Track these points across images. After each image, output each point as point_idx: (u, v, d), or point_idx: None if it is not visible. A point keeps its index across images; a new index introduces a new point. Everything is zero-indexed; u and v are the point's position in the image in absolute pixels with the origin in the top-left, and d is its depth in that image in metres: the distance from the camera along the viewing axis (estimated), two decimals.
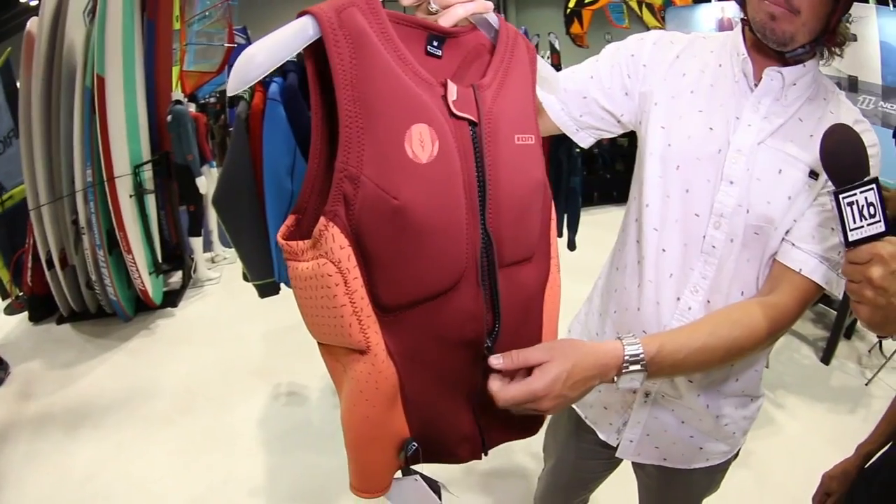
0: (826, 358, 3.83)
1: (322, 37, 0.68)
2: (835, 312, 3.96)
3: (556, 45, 6.35)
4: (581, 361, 0.86)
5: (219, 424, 3.13)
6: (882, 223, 0.79)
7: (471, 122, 0.78)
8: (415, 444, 0.87)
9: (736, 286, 1.10)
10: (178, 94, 4.48)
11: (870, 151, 0.87)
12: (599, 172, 6.83)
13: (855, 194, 0.82)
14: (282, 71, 2.48)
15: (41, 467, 2.81)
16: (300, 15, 0.69)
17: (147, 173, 4.02)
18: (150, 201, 4.09)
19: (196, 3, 5.53)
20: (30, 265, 4.20)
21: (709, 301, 1.11)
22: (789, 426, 3.17)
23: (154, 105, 4.29)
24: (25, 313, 4.38)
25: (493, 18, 0.85)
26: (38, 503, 2.62)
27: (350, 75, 0.68)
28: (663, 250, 1.13)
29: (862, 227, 0.81)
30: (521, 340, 0.86)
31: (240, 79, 0.69)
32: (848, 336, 4.11)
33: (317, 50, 0.70)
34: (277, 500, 2.64)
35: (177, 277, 4.97)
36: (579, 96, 1.18)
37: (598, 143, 4.44)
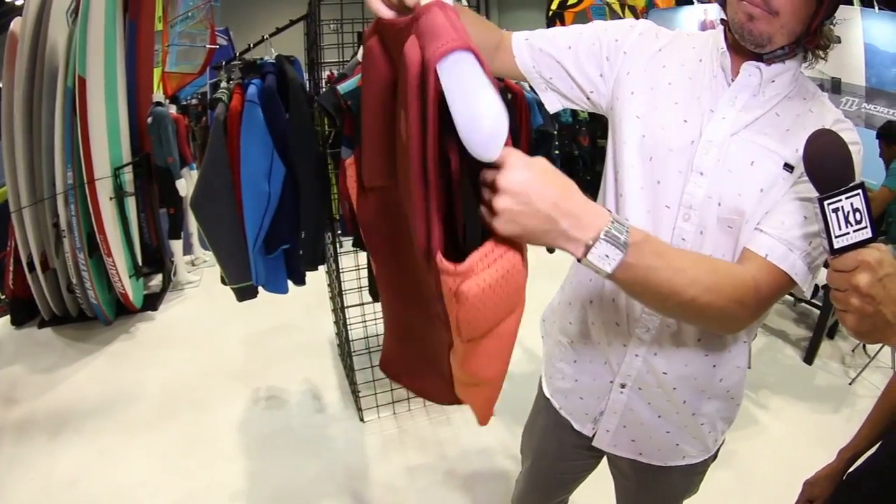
0: (809, 358, 3.84)
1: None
2: (817, 312, 3.97)
3: None
4: (571, 186, 0.77)
5: (199, 428, 3.11)
6: (868, 229, 0.76)
7: None
8: None
9: None
10: (159, 95, 4.43)
11: (851, 149, 0.85)
12: (580, 175, 6.76)
13: (840, 200, 0.79)
14: (260, 73, 2.47)
15: (24, 473, 2.78)
16: (450, 51, 0.64)
17: (127, 176, 3.98)
18: (131, 204, 4.05)
19: (179, 4, 5.48)
20: (11, 268, 4.16)
21: None
22: (773, 426, 3.18)
23: (135, 107, 4.25)
24: (7, 317, 4.33)
25: None
26: None
27: None
28: None
29: (848, 233, 0.78)
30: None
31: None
32: (831, 336, 4.13)
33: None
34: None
35: (157, 281, 4.93)
36: (553, 60, 1.19)
37: (579, 144, 4.45)
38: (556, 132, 2.85)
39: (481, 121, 0.64)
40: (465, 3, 2.41)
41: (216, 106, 2.47)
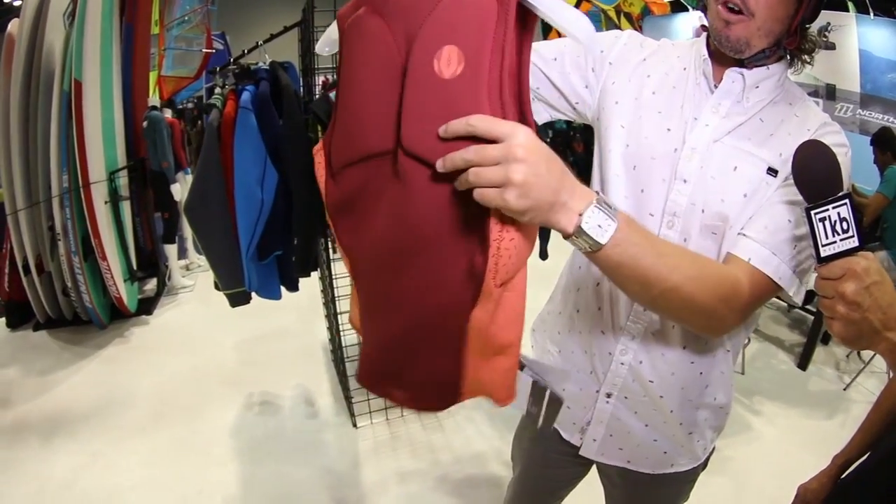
0: (803, 363, 3.85)
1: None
2: (811, 318, 3.97)
3: None
4: (556, 159, 0.76)
5: (193, 433, 3.11)
6: (855, 238, 0.78)
7: None
8: None
9: None
10: (154, 99, 4.43)
11: (838, 151, 0.85)
12: None
13: (827, 209, 0.80)
14: (254, 80, 2.47)
15: (18, 476, 2.78)
16: None
17: (123, 179, 3.98)
18: (126, 208, 4.05)
19: (176, 8, 5.48)
20: (7, 270, 4.15)
21: None
22: (767, 432, 3.18)
23: (131, 110, 4.25)
24: (2, 319, 4.33)
25: None
26: None
27: None
28: None
29: (835, 242, 0.79)
30: None
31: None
32: (825, 341, 4.14)
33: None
34: None
35: (152, 285, 4.92)
36: (538, 70, 1.18)
37: (573, 151, 4.46)
38: (549, 139, 2.86)
39: (581, 20, 0.73)
40: None
41: (210, 111, 2.48)
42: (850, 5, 5.90)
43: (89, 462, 2.87)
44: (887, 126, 5.00)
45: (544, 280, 1.52)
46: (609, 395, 1.23)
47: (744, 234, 1.00)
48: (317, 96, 2.64)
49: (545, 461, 1.49)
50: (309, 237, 2.61)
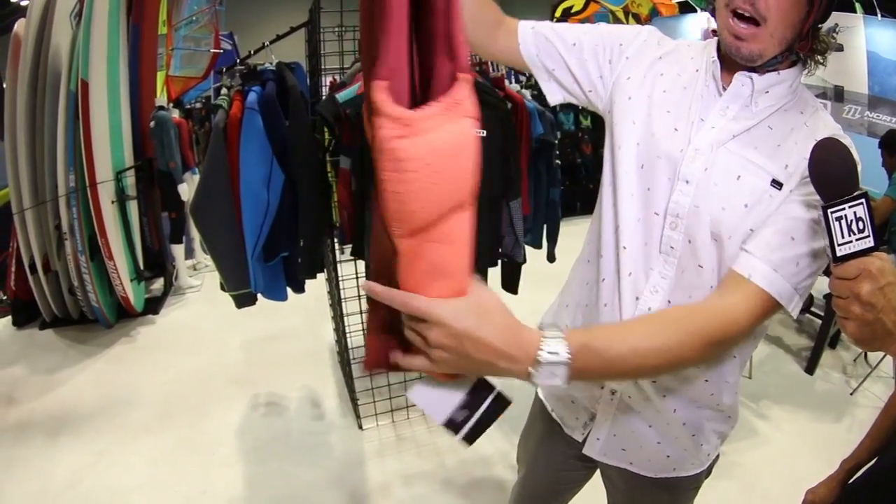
0: (810, 368, 3.83)
1: None
2: (819, 322, 3.95)
3: None
4: (504, 317, 0.79)
5: (197, 433, 3.11)
6: (871, 238, 0.77)
7: None
8: None
9: (698, 290, 1.07)
10: (162, 99, 4.43)
11: None
12: (582, 183, 6.81)
13: (844, 209, 0.79)
14: (261, 80, 2.47)
15: (22, 474, 2.79)
16: None
17: (130, 179, 4.00)
18: (133, 208, 4.06)
19: (183, 8, 5.49)
20: (13, 269, 4.17)
21: (669, 302, 1.09)
22: (774, 437, 3.16)
23: (138, 110, 4.27)
24: (9, 317, 4.34)
25: None
26: None
27: None
28: (624, 247, 1.12)
29: (850, 241, 0.78)
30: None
31: None
32: (833, 345, 4.12)
33: None
34: None
35: (158, 284, 4.93)
36: (556, 52, 1.20)
37: (581, 152, 4.45)
38: (557, 141, 2.85)
39: None
40: None
41: (217, 112, 2.48)
42: (858, 6, 5.88)
43: (93, 461, 2.88)
44: (895, 129, 4.98)
45: (551, 282, 1.51)
46: (613, 393, 1.23)
47: (745, 250, 0.99)
48: (324, 97, 2.64)
49: (550, 462, 1.50)
50: (315, 239, 2.61)
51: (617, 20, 6.91)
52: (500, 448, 2.92)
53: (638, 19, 7.11)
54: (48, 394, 3.45)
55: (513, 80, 3.86)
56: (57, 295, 4.10)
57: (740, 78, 1.05)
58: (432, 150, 0.66)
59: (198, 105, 6.52)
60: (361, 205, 2.54)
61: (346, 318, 3.07)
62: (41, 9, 3.62)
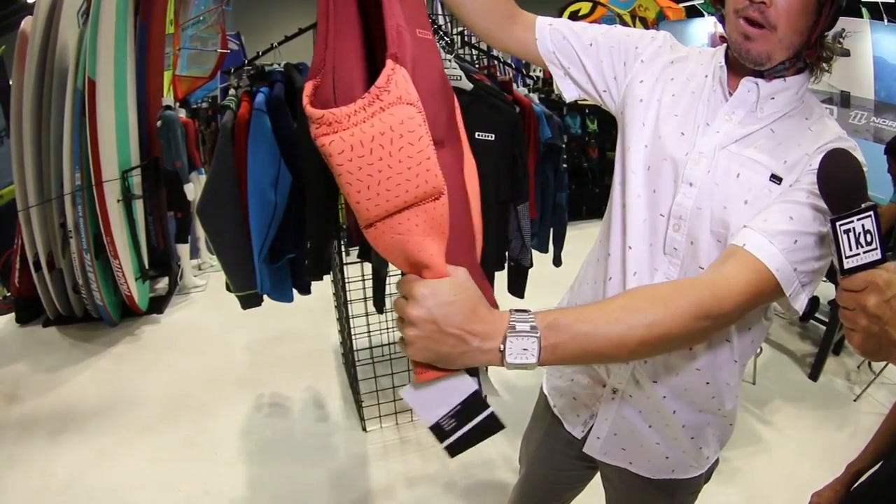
0: (814, 374, 3.82)
1: None
2: (823, 328, 3.95)
3: None
4: (475, 299, 0.78)
5: (200, 433, 3.11)
6: (878, 251, 0.77)
7: None
8: None
9: None
10: (168, 98, 4.43)
11: None
12: (588, 186, 6.81)
13: (852, 221, 0.79)
14: (269, 81, 2.47)
15: (24, 471, 2.80)
16: None
17: (136, 178, 4.00)
18: (138, 207, 4.06)
19: (191, 8, 5.49)
20: (17, 266, 4.18)
21: None
22: (777, 443, 3.16)
23: (144, 109, 4.27)
24: (12, 314, 4.36)
25: None
26: None
27: None
28: (630, 247, 1.14)
29: (858, 254, 0.78)
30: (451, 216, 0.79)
31: None
32: (836, 352, 4.10)
33: None
34: None
35: (163, 284, 4.93)
36: (573, 51, 1.22)
37: (588, 156, 4.45)
38: (564, 145, 2.85)
39: None
40: None
41: (224, 112, 2.47)
42: (865, 11, 5.88)
43: (96, 460, 2.89)
44: None
45: (557, 287, 1.52)
46: (615, 391, 1.24)
47: (745, 226, 0.98)
48: None
49: (551, 462, 1.51)
50: (322, 240, 2.61)
51: (624, 24, 6.90)
52: (503, 451, 2.91)
53: (645, 23, 7.12)
54: (51, 391, 3.46)
55: (520, 84, 3.85)
56: (61, 293, 4.11)
57: (746, 84, 1.06)
58: (356, 143, 0.66)
59: (204, 105, 6.51)
60: None
61: (351, 320, 3.07)
62: (48, 6, 3.63)
